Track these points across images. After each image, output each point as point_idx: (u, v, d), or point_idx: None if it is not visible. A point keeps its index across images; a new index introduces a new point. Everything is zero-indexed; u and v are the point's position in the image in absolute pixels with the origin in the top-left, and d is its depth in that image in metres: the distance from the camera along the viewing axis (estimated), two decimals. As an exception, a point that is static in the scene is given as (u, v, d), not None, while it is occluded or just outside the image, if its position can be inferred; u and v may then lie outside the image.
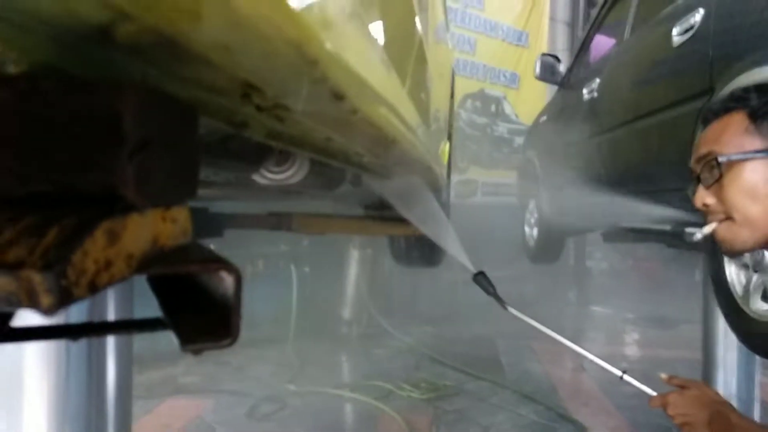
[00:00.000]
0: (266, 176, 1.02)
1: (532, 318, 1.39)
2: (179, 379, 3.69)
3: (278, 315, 4.53)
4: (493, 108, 6.44)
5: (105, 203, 0.33)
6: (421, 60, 1.02)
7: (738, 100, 1.05)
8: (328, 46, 0.39)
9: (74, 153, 0.32)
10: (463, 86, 6.11)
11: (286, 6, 0.33)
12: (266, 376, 3.78)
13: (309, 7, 0.36)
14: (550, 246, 4.03)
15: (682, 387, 1.19)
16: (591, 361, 1.36)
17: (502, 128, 6.57)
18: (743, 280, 1.67)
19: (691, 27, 1.90)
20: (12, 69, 0.33)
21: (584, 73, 3.17)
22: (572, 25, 7.17)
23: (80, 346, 1.19)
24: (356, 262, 4.81)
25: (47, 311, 0.27)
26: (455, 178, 6.27)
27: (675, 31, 1.99)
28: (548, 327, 1.35)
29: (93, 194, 0.33)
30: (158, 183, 0.36)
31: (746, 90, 1.08)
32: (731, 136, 1.03)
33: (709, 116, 1.12)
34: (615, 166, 2.58)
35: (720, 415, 1.02)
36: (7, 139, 0.32)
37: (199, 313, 0.40)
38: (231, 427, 2.98)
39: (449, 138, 1.88)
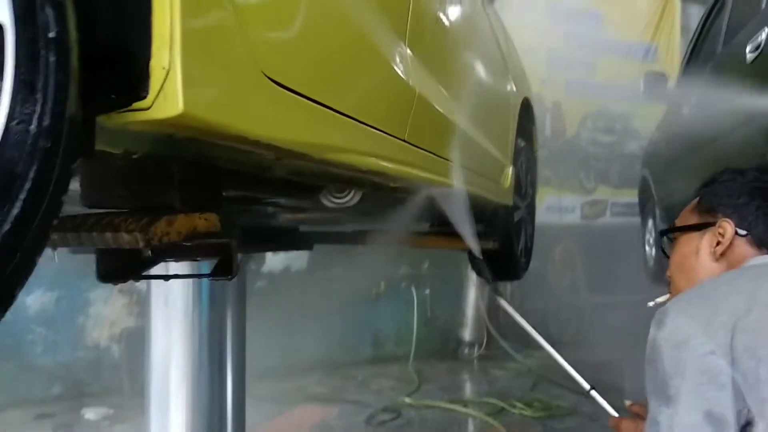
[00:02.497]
0: (332, 201, 1.31)
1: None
2: (309, 389, 4.09)
3: (400, 335, 4.81)
4: (618, 126, 6.28)
5: (168, 209, 0.62)
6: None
7: (703, 185, 1.16)
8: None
9: (156, 189, 0.62)
10: (582, 107, 6.05)
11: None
12: (386, 389, 4.07)
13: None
14: (669, 266, 3.89)
15: (638, 415, 1.27)
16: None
17: (632, 145, 6.36)
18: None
19: (760, 45, 1.93)
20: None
21: (687, 87, 3.13)
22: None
23: (206, 360, 1.55)
24: (474, 284, 4.95)
25: (144, 248, 0.56)
26: (582, 198, 6.18)
27: (748, 48, 2.01)
28: None
29: (163, 205, 0.62)
30: (193, 201, 0.65)
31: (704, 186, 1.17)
32: (683, 214, 1.16)
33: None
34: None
35: None
36: (125, 181, 0.62)
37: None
38: (351, 430, 3.30)
39: (517, 163, 2.04)
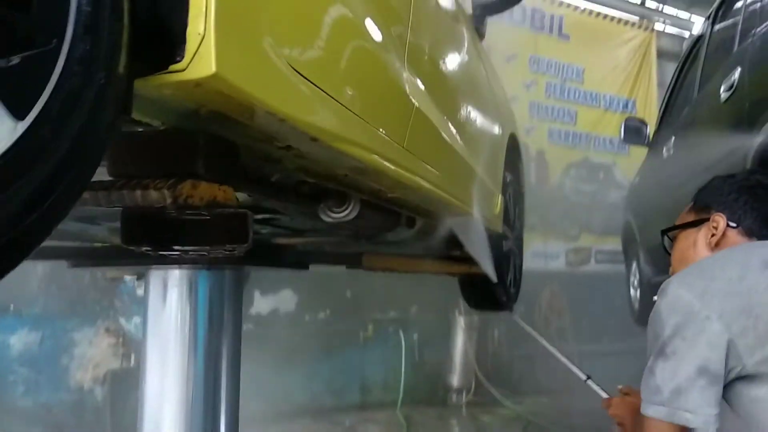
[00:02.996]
0: (329, 215, 1.35)
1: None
2: (298, 435, 4.00)
3: (388, 380, 4.75)
4: (601, 175, 6.45)
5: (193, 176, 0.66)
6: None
7: (698, 191, 1.32)
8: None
9: (181, 158, 0.67)
10: (565, 155, 6.23)
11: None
12: (374, 435, 4.00)
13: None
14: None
15: (627, 394, 1.38)
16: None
17: (614, 195, 6.51)
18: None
19: (733, 84, 2.04)
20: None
21: (665, 133, 3.26)
22: (683, 89, 7.08)
23: (200, 405, 1.54)
24: (463, 329, 4.95)
25: (172, 205, 0.60)
26: (567, 245, 6.26)
27: (722, 88, 2.13)
28: None
29: (187, 173, 0.66)
30: (215, 171, 0.69)
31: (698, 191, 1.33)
32: (681, 216, 1.31)
33: None
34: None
35: (639, 420, 1.14)
36: (152, 150, 0.67)
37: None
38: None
39: (506, 194, 2.12)
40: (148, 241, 0.68)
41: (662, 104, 3.63)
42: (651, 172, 3.57)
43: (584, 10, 6.67)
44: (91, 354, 3.81)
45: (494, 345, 5.48)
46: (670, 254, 1.33)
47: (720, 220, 1.20)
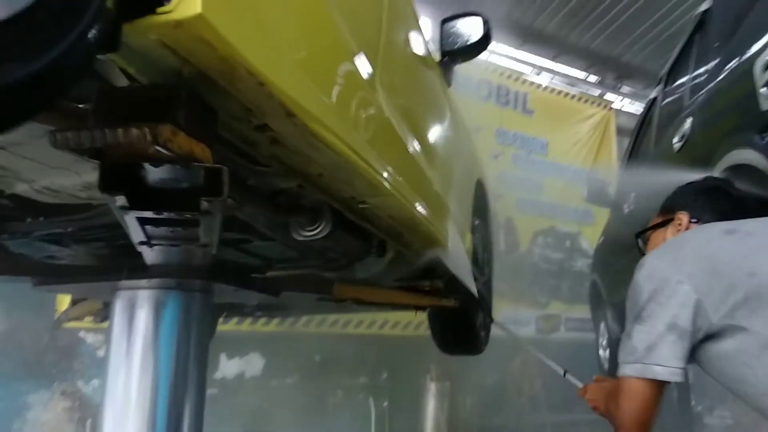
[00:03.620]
0: (301, 233, 1.36)
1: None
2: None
3: (357, 449, 4.59)
4: (567, 243, 6.60)
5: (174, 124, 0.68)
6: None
7: (663, 202, 1.51)
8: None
9: (163, 107, 0.69)
10: (532, 224, 6.38)
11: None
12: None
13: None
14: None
15: (600, 381, 1.49)
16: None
17: (581, 263, 6.65)
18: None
19: (684, 134, 2.18)
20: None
21: (625, 190, 3.40)
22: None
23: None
24: (434, 395, 4.85)
25: (152, 145, 0.62)
26: (537, 313, 6.29)
27: (675, 138, 2.27)
28: None
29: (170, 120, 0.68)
30: (195, 126, 0.71)
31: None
32: (649, 223, 1.51)
33: None
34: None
35: (609, 395, 1.28)
36: (141, 102, 0.69)
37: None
38: None
39: (474, 237, 2.16)
40: (124, 190, 0.69)
41: (622, 164, 3.80)
42: (613, 230, 3.68)
43: (547, 87, 7.06)
44: (47, 418, 3.61)
45: (466, 413, 5.36)
46: (643, 255, 1.42)
47: (683, 217, 1.37)
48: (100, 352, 3.81)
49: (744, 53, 1.86)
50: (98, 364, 3.76)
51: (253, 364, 4.44)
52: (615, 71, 7.98)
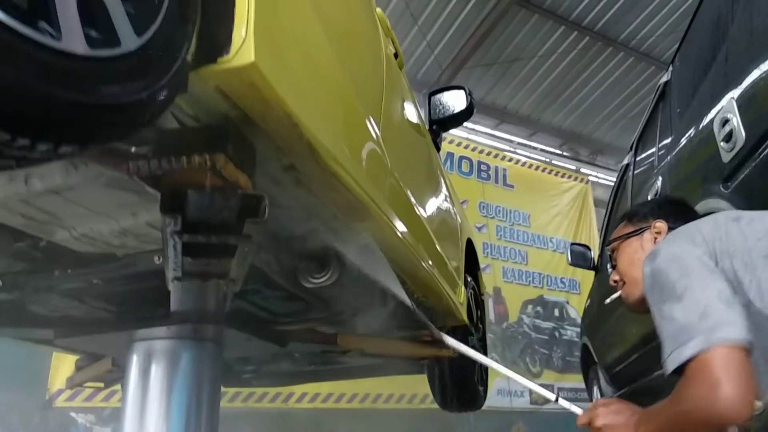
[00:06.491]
0: (310, 280, 1.47)
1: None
2: None
3: None
4: (556, 312, 6.69)
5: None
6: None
7: (623, 216, 1.55)
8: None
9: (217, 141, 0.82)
10: (520, 293, 6.49)
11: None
12: None
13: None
14: None
15: (607, 404, 1.31)
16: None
17: (570, 332, 6.71)
18: None
19: (657, 193, 2.37)
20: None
21: (606, 252, 3.55)
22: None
23: None
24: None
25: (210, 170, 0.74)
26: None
27: (649, 197, 2.45)
28: None
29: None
30: (238, 158, 0.84)
31: (628, 209, 1.60)
32: (617, 232, 1.51)
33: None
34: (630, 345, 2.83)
35: (646, 413, 1.13)
36: (196, 137, 0.82)
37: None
38: None
39: (467, 292, 2.27)
40: (181, 213, 0.80)
41: (602, 227, 3.97)
42: (598, 294, 3.80)
43: (525, 162, 7.38)
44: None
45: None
46: (614, 267, 1.48)
47: (661, 225, 1.40)
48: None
49: (703, 115, 2.06)
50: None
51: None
52: (588, 147, 8.39)
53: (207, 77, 0.76)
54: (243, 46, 0.75)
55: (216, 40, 0.75)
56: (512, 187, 7.00)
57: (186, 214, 0.80)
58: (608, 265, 1.53)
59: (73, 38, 0.49)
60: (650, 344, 2.68)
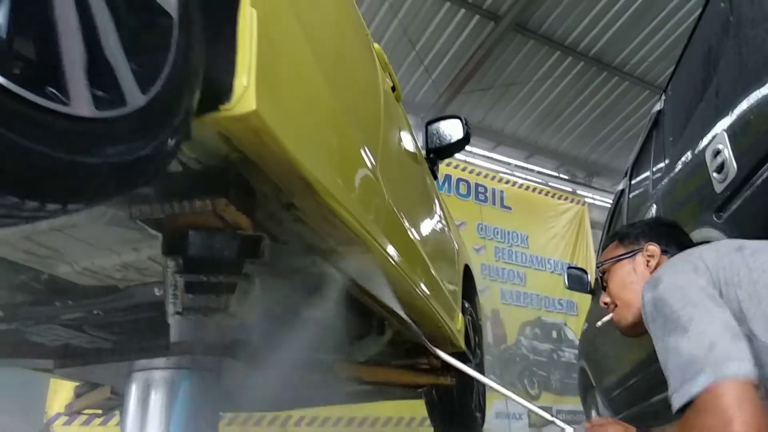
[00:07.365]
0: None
1: None
2: None
3: None
4: (554, 334, 6.68)
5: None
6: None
7: (614, 236, 1.53)
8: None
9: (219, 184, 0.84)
10: (518, 315, 6.49)
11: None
12: None
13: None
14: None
15: (603, 425, 1.41)
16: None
17: (568, 354, 6.70)
18: None
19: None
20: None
21: (604, 276, 3.58)
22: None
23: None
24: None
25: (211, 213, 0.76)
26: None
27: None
28: None
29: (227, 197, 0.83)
30: (239, 200, 0.86)
31: (619, 229, 1.57)
32: (608, 253, 1.48)
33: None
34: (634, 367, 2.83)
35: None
36: (199, 180, 0.84)
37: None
38: None
39: (465, 318, 2.29)
40: (182, 254, 0.82)
41: (599, 250, 4.00)
42: (595, 317, 3.81)
43: (522, 184, 7.43)
44: None
45: None
46: (605, 289, 1.46)
47: (654, 248, 1.37)
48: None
49: (696, 145, 2.09)
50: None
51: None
52: (584, 169, 8.46)
53: (209, 123, 0.78)
54: (245, 93, 0.77)
55: (218, 87, 0.77)
56: (509, 208, 7.04)
57: (187, 254, 0.82)
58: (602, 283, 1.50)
59: (80, 102, 0.50)
60: (648, 369, 2.69)
